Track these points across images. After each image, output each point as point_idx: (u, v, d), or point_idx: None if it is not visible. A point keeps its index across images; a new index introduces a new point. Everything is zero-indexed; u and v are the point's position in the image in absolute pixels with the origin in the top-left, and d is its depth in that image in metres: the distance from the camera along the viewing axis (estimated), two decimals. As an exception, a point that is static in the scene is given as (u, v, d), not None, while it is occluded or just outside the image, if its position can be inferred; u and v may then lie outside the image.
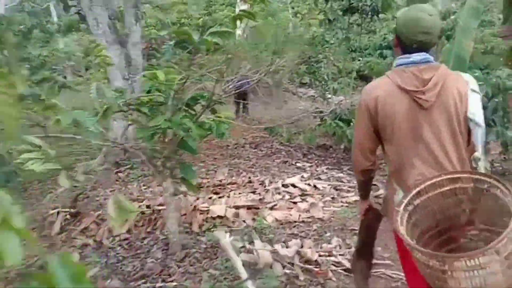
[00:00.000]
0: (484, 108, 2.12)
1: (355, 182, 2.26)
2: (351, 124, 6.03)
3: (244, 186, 4.72)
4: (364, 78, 13.27)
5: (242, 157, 6.32)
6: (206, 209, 3.98)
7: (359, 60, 11.83)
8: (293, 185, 4.68)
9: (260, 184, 4.75)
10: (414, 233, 1.50)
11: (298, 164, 5.88)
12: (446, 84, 1.62)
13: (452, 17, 8.82)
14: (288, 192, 4.44)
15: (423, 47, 1.65)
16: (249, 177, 5.04)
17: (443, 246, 1.58)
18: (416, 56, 1.64)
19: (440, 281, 1.32)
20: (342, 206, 4.22)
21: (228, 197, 4.32)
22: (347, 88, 8.92)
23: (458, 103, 1.62)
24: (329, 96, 8.69)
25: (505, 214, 1.34)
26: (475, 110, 1.63)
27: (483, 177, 1.47)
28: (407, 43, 1.66)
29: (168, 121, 2.86)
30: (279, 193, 4.45)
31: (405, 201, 1.50)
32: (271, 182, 4.79)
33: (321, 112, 6.99)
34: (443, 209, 1.54)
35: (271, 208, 4.04)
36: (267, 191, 4.48)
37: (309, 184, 4.73)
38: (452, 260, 1.29)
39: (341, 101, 7.84)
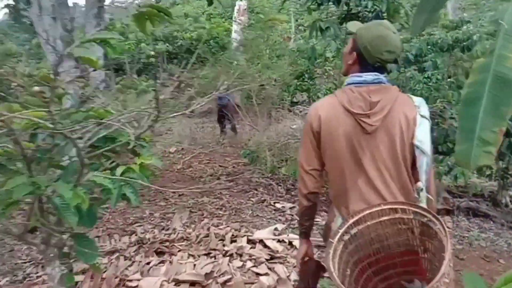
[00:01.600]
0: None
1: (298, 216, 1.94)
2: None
3: (198, 243, 3.65)
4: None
5: (213, 193, 5.26)
6: (135, 285, 2.94)
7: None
8: (262, 243, 3.61)
9: (220, 240, 3.68)
10: (348, 262, 1.45)
11: (277, 205, 4.80)
12: (394, 108, 1.54)
13: (465, 27, 7.74)
14: (251, 257, 3.35)
15: (383, 67, 1.58)
16: (208, 228, 3.97)
17: (379, 273, 1.53)
18: (368, 76, 1.57)
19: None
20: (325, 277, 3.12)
21: (171, 263, 3.27)
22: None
23: (404, 129, 1.55)
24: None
25: (441, 250, 1.29)
26: (423, 138, 1.55)
27: (420, 210, 1.41)
28: (370, 61, 1.57)
29: (31, 185, 1.82)
30: (240, 256, 3.37)
31: (341, 231, 1.43)
32: (234, 237, 3.72)
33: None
34: (381, 239, 1.48)
35: (223, 284, 2.97)
36: (225, 253, 3.42)
37: (283, 241, 3.66)
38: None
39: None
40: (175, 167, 6.61)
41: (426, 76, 5.11)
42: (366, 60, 1.56)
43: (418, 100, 1.60)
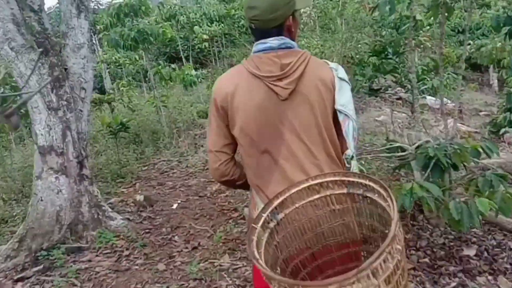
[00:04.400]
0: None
1: None
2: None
3: None
4: (477, 67, 9.55)
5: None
6: None
7: (468, 44, 8.11)
8: None
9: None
10: (278, 260, 1.19)
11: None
12: (307, 71, 1.39)
13: None
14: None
15: (263, 28, 1.40)
16: None
17: (315, 276, 1.28)
18: (274, 41, 1.41)
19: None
20: None
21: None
22: (454, 84, 5.62)
23: (324, 92, 1.41)
24: (421, 97, 5.44)
25: (387, 224, 1.07)
26: (345, 101, 1.42)
27: (355, 178, 1.16)
28: (248, 24, 1.45)
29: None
30: None
31: (264, 215, 1.17)
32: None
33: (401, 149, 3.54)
34: (314, 225, 1.25)
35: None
36: None
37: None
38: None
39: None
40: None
41: None
42: (250, 27, 1.45)
43: (334, 64, 1.47)
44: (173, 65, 9.44)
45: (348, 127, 1.41)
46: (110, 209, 4.20)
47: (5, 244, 3.87)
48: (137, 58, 12.22)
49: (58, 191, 3.89)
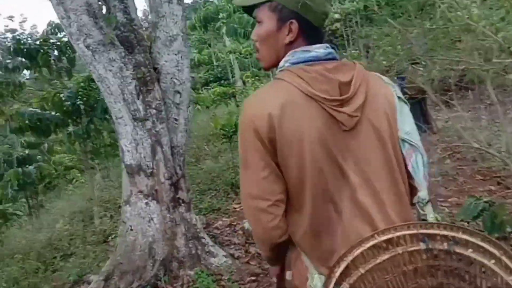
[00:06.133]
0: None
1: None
2: None
3: None
4: None
5: None
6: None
7: None
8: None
9: None
10: None
11: None
12: (371, 91, 1.07)
13: None
14: None
15: (316, 25, 1.09)
16: None
17: None
18: (319, 49, 1.07)
19: None
20: None
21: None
22: None
23: (391, 119, 1.08)
24: None
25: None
26: (410, 128, 1.10)
27: (437, 230, 0.92)
28: (316, 22, 1.09)
29: None
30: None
31: None
32: None
33: None
34: None
35: None
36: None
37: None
38: None
39: None
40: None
41: None
42: (311, 23, 1.08)
43: (387, 79, 1.16)
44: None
45: (417, 162, 1.09)
46: (211, 242, 3.36)
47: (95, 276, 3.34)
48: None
49: (149, 219, 3.18)
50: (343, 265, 0.95)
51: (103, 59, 2.90)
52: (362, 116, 1.05)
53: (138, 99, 3.02)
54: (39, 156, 5.75)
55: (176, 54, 3.22)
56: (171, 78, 3.22)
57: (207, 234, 3.50)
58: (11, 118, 4.61)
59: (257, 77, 9.76)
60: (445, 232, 0.91)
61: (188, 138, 3.45)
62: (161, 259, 3.17)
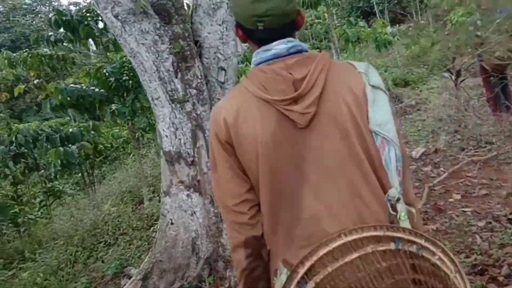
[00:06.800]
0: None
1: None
2: None
3: None
4: None
5: None
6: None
7: None
8: None
9: None
10: None
11: None
12: (330, 82, 1.04)
13: None
14: None
15: (276, 27, 1.04)
16: None
17: None
18: (279, 45, 1.06)
19: None
20: None
21: None
22: None
23: (355, 110, 1.03)
24: None
25: None
26: (382, 119, 1.04)
27: (405, 235, 0.92)
28: (247, 24, 1.06)
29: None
30: None
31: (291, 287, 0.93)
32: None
33: None
34: None
35: None
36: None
37: None
38: None
39: None
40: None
41: None
42: (246, 27, 1.08)
43: (363, 66, 1.10)
44: (361, 23, 7.78)
45: (389, 156, 1.03)
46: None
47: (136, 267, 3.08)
48: (325, 16, 10.76)
49: (191, 212, 2.83)
50: (308, 264, 0.94)
51: (134, 31, 2.51)
52: (319, 110, 1.02)
53: (176, 77, 2.62)
54: (88, 134, 5.60)
55: (220, 25, 2.76)
56: (215, 52, 2.78)
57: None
58: (52, 94, 4.42)
59: (317, 49, 9.22)
60: (411, 238, 0.90)
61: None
62: (205, 257, 2.84)
